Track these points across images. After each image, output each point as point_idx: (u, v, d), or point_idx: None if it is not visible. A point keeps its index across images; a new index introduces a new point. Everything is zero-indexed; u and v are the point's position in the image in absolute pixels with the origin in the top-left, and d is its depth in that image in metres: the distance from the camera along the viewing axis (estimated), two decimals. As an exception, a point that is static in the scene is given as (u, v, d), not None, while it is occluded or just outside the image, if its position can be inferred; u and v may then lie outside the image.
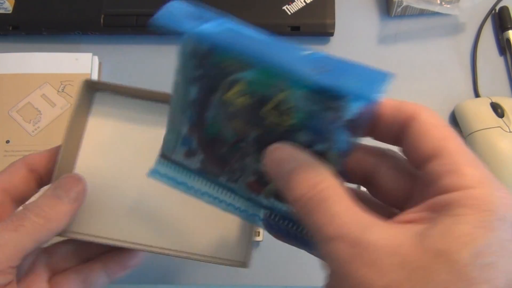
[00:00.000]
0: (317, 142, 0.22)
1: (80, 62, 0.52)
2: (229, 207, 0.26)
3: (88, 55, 0.53)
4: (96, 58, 0.53)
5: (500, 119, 0.47)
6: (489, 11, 0.56)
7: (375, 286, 0.17)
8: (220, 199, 0.26)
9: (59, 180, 0.28)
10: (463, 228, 0.17)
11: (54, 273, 0.30)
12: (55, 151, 0.29)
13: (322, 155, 0.22)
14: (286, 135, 0.22)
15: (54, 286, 0.29)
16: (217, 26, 0.23)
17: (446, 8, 0.53)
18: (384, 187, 0.23)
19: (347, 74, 0.21)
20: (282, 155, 0.21)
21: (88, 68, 0.52)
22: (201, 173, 0.26)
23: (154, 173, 0.26)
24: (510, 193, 0.18)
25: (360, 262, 0.17)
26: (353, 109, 0.21)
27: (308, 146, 0.22)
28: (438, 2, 0.53)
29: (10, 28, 0.55)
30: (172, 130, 0.26)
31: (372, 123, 0.22)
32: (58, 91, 0.51)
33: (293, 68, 0.21)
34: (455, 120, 0.51)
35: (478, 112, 0.48)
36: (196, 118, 0.24)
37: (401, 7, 0.54)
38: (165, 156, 0.26)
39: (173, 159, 0.26)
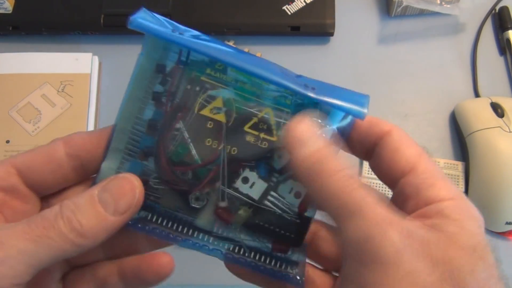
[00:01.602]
0: None
1: (80, 62, 0.52)
2: (185, 243, 0.23)
3: (88, 55, 0.53)
4: (96, 58, 0.53)
5: (500, 119, 0.47)
6: (489, 11, 0.56)
7: (426, 281, 0.17)
8: (172, 235, 0.23)
9: (110, 180, 0.21)
10: (474, 231, 0.19)
11: (71, 267, 0.24)
12: (106, 134, 0.23)
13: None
14: (264, 155, 0.22)
15: (69, 285, 0.24)
16: (196, 38, 0.22)
17: (446, 8, 0.53)
18: (323, 250, 0.24)
19: (332, 94, 0.21)
20: (310, 129, 0.20)
21: (88, 68, 0.52)
22: (151, 205, 0.23)
23: None
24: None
25: (412, 253, 0.18)
26: (336, 125, 0.21)
27: (285, 170, 0.22)
28: (438, 2, 0.53)
29: (10, 28, 0.55)
30: (114, 154, 0.22)
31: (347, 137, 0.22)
32: (58, 91, 0.51)
33: (285, 83, 0.21)
34: (455, 120, 0.51)
35: (478, 112, 0.48)
36: (155, 140, 0.22)
37: (401, 7, 0.54)
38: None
39: None
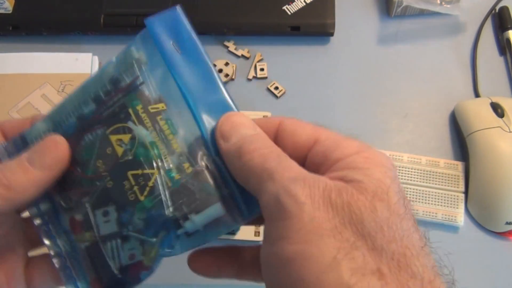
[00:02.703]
0: (147, 232, 0.23)
1: (80, 62, 0.52)
2: (41, 227, 0.25)
3: (88, 55, 0.53)
4: (96, 58, 0.53)
5: (500, 119, 0.47)
6: (489, 11, 0.56)
7: (324, 228, 0.18)
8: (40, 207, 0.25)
9: (38, 142, 0.24)
10: (378, 177, 0.19)
11: (32, 245, 0.27)
12: (30, 121, 0.26)
13: (143, 244, 0.23)
14: (128, 206, 0.23)
15: (30, 268, 0.26)
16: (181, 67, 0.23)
17: (446, 8, 0.53)
18: None
19: None
20: (243, 120, 0.23)
21: (88, 68, 0.52)
22: None
23: (4, 147, 0.25)
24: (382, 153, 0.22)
25: (311, 201, 0.19)
26: (197, 226, 0.22)
27: (138, 231, 0.23)
28: (438, 2, 0.53)
29: (10, 28, 0.55)
30: (49, 122, 0.25)
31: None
32: (58, 91, 0.51)
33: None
34: (455, 120, 0.51)
35: (478, 112, 0.48)
36: (75, 131, 0.24)
37: (401, 7, 0.54)
38: (24, 138, 0.25)
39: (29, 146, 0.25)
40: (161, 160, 0.23)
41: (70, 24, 0.55)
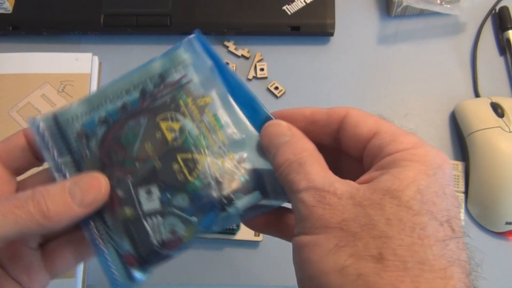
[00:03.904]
0: (189, 211, 0.25)
1: (80, 62, 0.52)
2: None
3: (88, 55, 0.53)
4: (96, 58, 0.53)
5: (500, 119, 0.47)
6: (489, 11, 0.56)
7: (331, 222, 0.21)
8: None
9: (82, 176, 0.25)
10: (407, 173, 0.21)
11: (46, 239, 0.28)
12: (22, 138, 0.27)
13: (184, 222, 0.25)
14: (174, 185, 0.25)
15: (47, 253, 0.27)
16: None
17: (446, 8, 0.53)
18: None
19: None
20: (278, 130, 0.25)
21: (88, 68, 0.52)
22: (78, 157, 0.26)
23: (33, 123, 0.26)
24: (442, 151, 0.22)
25: (321, 204, 0.21)
26: (238, 211, 0.25)
27: (180, 208, 0.25)
28: (438, 2, 0.53)
29: (10, 28, 0.55)
30: (86, 104, 0.26)
31: (307, 128, 0.26)
32: (58, 91, 0.51)
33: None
34: (455, 120, 0.51)
35: (478, 112, 0.48)
36: (118, 118, 0.26)
37: (401, 7, 0.54)
38: (56, 117, 0.26)
39: (62, 125, 0.26)
40: (209, 149, 0.25)
41: (70, 24, 0.55)
